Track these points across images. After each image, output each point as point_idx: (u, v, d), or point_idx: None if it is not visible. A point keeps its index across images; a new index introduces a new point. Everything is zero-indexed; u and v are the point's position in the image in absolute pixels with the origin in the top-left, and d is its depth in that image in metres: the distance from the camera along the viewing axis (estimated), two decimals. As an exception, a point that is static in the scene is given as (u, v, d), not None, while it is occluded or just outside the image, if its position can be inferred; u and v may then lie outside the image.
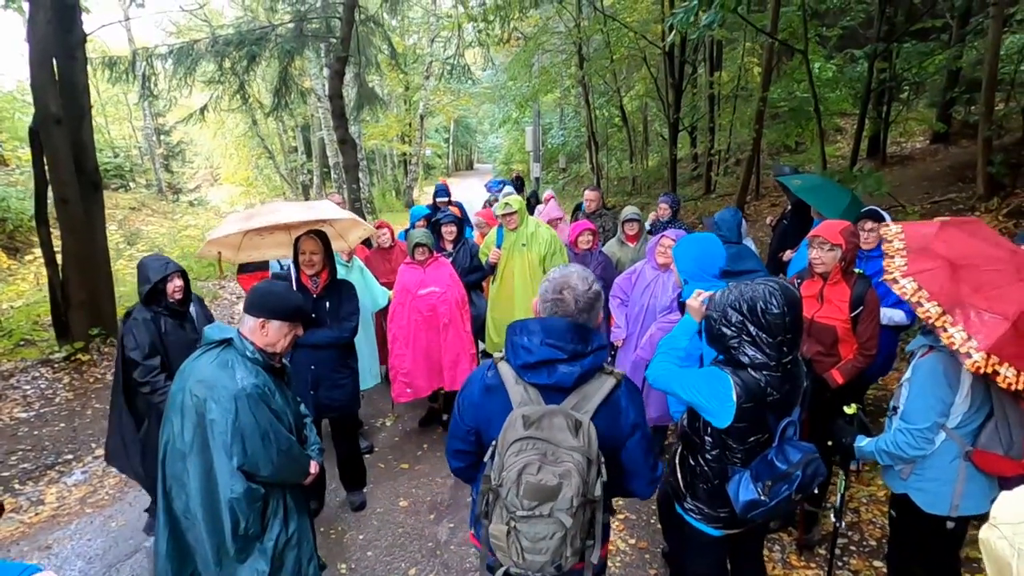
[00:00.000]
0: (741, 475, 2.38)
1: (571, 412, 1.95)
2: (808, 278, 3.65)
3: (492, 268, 5.51)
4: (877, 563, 3.70)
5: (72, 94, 7.97)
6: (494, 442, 2.00)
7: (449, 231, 6.04)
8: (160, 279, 3.88)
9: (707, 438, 2.48)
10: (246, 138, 25.92)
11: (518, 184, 16.22)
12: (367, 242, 6.47)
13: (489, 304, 5.68)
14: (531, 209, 7.71)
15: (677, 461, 2.68)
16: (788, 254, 5.60)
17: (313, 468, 2.92)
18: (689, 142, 17.16)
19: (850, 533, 4.00)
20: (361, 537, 4.14)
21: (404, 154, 23.96)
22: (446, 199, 7.79)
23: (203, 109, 12.63)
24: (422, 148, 25.07)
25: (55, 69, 7.59)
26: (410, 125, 23.64)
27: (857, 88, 13.20)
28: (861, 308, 3.49)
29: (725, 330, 2.37)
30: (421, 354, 5.24)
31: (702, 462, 2.52)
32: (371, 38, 14.01)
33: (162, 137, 26.09)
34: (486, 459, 2.03)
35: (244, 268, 5.68)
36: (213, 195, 27.57)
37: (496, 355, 2.17)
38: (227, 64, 11.93)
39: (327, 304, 4.04)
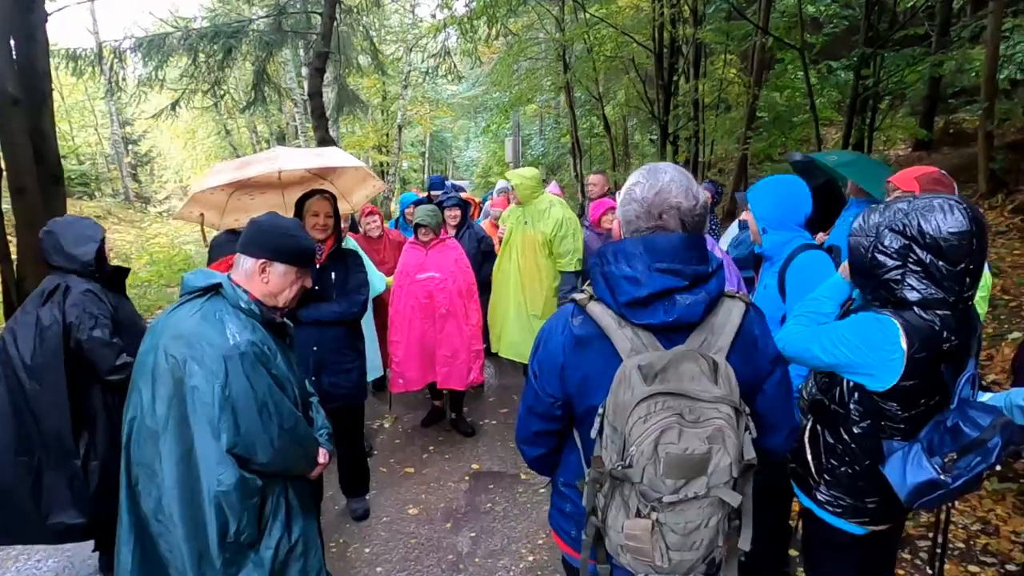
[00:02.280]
0: (907, 450, 1.80)
1: (703, 352, 1.41)
2: None
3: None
4: (973, 568, 3.16)
5: (32, 78, 7.21)
6: (600, 409, 1.45)
7: (453, 215, 5.44)
8: (102, 237, 3.05)
9: (854, 407, 1.90)
10: (218, 148, 25.00)
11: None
12: (353, 227, 5.84)
13: (492, 290, 5.08)
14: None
15: (806, 440, 2.09)
16: (821, 236, 5.10)
17: (322, 457, 2.27)
18: (672, 151, 16.84)
19: (929, 534, 3.45)
20: (367, 551, 3.47)
21: (381, 164, 23.32)
22: (440, 192, 7.16)
23: (175, 104, 11.87)
24: (399, 159, 24.45)
25: (12, 49, 6.89)
26: (387, 135, 23.03)
27: (843, 95, 13.05)
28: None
29: (882, 258, 1.81)
30: (415, 343, 4.64)
31: (846, 438, 1.93)
32: (352, 38, 13.43)
33: (130, 146, 25.01)
34: (593, 434, 1.47)
35: (216, 252, 4.98)
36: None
37: (579, 295, 1.60)
38: (201, 58, 11.24)
39: (332, 275, 3.40)
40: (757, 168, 15.48)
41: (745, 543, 1.45)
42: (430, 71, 14.77)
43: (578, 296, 1.59)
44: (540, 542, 3.53)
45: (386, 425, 5.18)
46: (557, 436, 1.69)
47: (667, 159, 14.38)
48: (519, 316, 4.71)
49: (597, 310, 1.52)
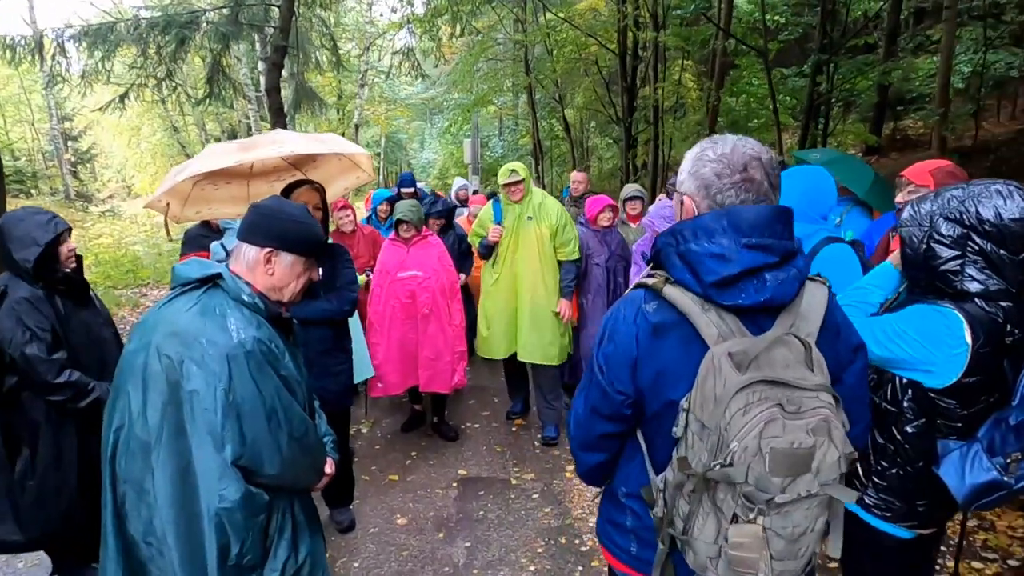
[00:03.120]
0: (966, 450, 1.70)
1: (797, 336, 1.28)
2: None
3: (488, 251, 4.65)
4: (977, 564, 3.13)
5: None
6: (683, 404, 1.30)
7: (437, 224, 5.24)
8: (52, 240, 2.67)
9: (908, 404, 1.78)
10: (164, 146, 23.97)
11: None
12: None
13: (483, 294, 4.82)
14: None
15: None
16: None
17: (329, 467, 2.05)
18: (633, 153, 16.92)
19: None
20: (356, 565, 3.23)
21: (337, 165, 22.78)
22: (411, 189, 6.91)
23: (123, 97, 11.24)
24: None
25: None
26: (343, 135, 22.42)
27: (798, 100, 13.34)
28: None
29: (938, 248, 1.70)
30: (395, 345, 4.41)
31: (899, 438, 1.82)
32: (310, 33, 13.02)
33: (70, 142, 23.76)
34: (677, 432, 1.31)
35: (189, 246, 4.66)
36: (127, 207, 25.33)
37: (649, 280, 1.43)
38: (152, 49, 10.69)
39: (320, 271, 3.14)
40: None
41: (836, 549, 1.32)
42: (393, 67, 14.43)
43: (649, 280, 1.42)
44: (540, 550, 3.36)
45: (364, 431, 4.93)
46: (621, 439, 1.52)
47: (630, 161, 14.43)
48: (534, 315, 4.47)
49: (675, 294, 1.35)
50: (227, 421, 1.62)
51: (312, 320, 3.07)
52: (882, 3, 13.10)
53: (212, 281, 1.77)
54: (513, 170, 4.47)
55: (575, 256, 4.51)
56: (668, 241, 1.41)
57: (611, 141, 19.05)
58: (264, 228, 1.84)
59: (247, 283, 1.80)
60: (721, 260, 1.29)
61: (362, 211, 8.00)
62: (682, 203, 1.47)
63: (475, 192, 7.54)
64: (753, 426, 1.17)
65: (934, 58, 13.17)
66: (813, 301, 1.37)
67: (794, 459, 1.18)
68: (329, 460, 2.06)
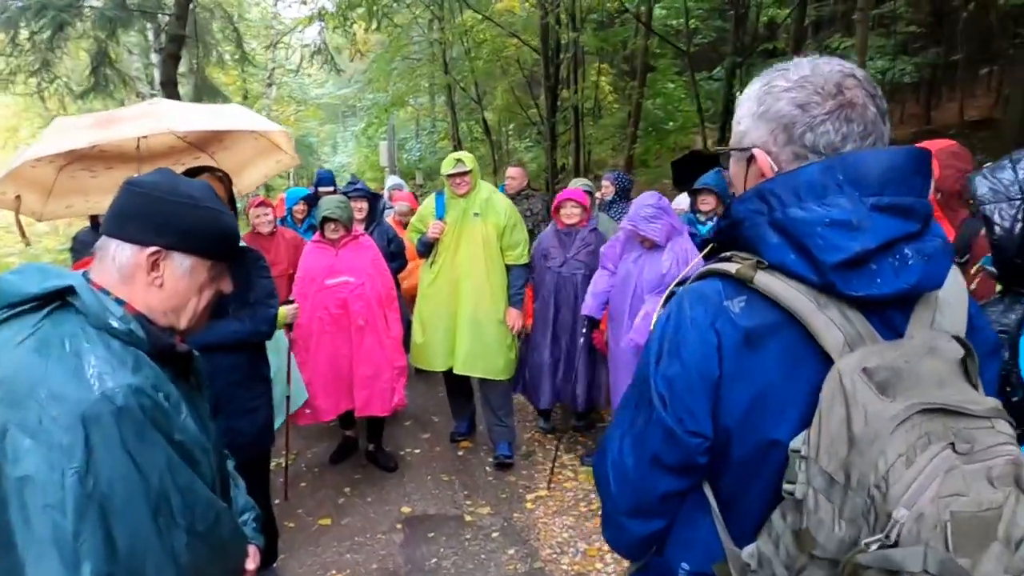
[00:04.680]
0: None
1: (951, 338, 0.89)
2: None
3: (427, 248, 4.07)
4: None
5: None
6: (800, 448, 0.87)
7: (359, 208, 4.57)
8: None
9: None
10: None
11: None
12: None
13: (419, 296, 4.23)
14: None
15: None
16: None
17: (251, 561, 1.42)
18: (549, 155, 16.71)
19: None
20: (287, 647, 2.57)
21: (244, 169, 21.36)
22: (331, 188, 6.16)
23: (-11, 88, 9.83)
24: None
25: None
26: (250, 137, 21.07)
27: (713, 102, 13.49)
28: (969, 257, 2.61)
29: None
30: (325, 364, 3.78)
31: None
32: (211, 24, 11.93)
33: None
34: (798, 492, 0.86)
35: (81, 254, 3.79)
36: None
37: (730, 265, 0.96)
38: (24, 35, 9.39)
39: (230, 280, 2.47)
40: (632, 175, 15.70)
41: None
42: (304, 62, 13.47)
43: (730, 266, 0.95)
44: (509, 605, 2.81)
45: (285, 465, 4.20)
46: (684, 497, 1.05)
47: (552, 161, 14.14)
48: (476, 324, 3.90)
49: (774, 284, 0.90)
50: (84, 524, 0.99)
51: (223, 344, 2.39)
52: (788, 11, 13.40)
53: (60, 299, 1.13)
54: (459, 159, 3.92)
55: (524, 260, 4.00)
56: (754, 208, 0.95)
57: (531, 144, 18.79)
58: (147, 216, 1.20)
59: (118, 300, 1.16)
60: (846, 230, 0.87)
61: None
62: (749, 162, 1.01)
63: (399, 188, 6.88)
64: (926, 482, 0.76)
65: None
66: (953, 285, 0.95)
67: (983, 527, 0.75)
68: (251, 548, 1.43)
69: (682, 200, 5.15)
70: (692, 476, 1.00)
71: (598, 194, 5.66)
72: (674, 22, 13.61)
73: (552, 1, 11.27)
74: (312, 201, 5.63)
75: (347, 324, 3.82)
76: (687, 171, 6.16)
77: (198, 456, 1.19)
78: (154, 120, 2.22)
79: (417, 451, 4.37)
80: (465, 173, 3.88)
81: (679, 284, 1.11)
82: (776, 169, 0.97)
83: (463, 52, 14.54)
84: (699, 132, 16.29)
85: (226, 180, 2.51)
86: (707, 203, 4.20)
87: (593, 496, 3.69)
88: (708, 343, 0.93)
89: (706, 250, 1.10)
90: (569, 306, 4.11)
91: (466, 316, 3.95)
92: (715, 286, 0.96)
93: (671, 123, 14.78)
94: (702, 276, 1.00)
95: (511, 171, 5.56)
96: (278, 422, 3.34)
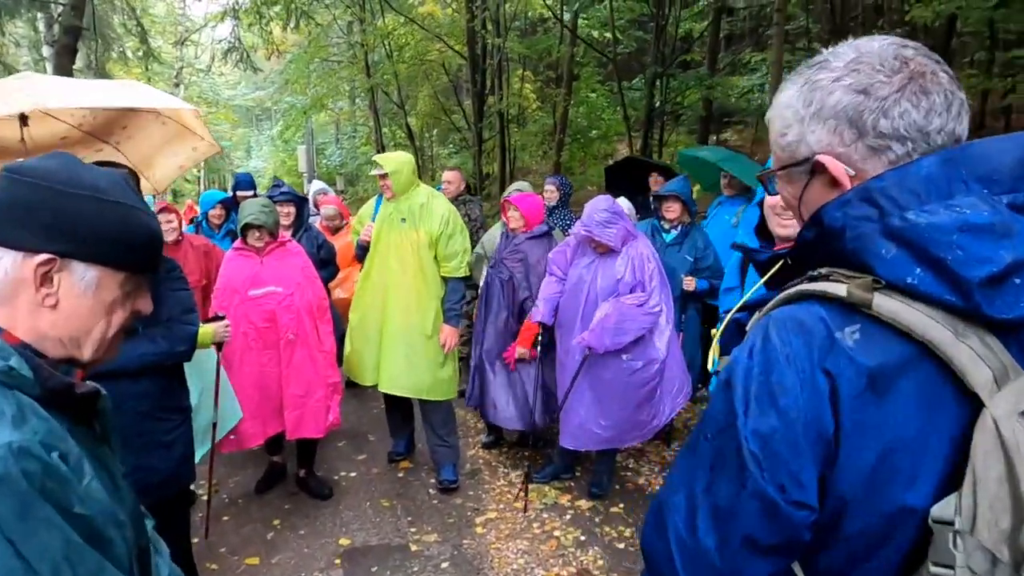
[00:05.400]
0: None
1: None
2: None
3: (363, 252, 3.79)
4: None
5: None
6: (952, 520, 0.67)
7: (286, 212, 4.20)
8: None
9: None
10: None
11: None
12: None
13: (352, 303, 3.93)
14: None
15: None
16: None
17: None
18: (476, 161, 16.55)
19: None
20: None
21: (149, 173, 19.99)
22: (250, 192, 5.70)
23: None
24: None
25: None
26: (156, 139, 19.78)
27: (636, 111, 13.71)
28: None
29: None
30: (250, 384, 3.43)
31: None
32: (112, 17, 11.05)
33: None
34: (942, 573, 0.67)
35: None
36: None
37: (832, 285, 0.75)
38: None
39: (149, 298, 2.11)
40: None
41: None
42: (215, 61, 12.70)
43: (832, 287, 0.75)
44: (467, 646, 2.55)
45: (203, 496, 3.77)
46: None
47: (479, 168, 13.98)
48: (403, 339, 3.62)
49: (900, 308, 0.71)
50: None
51: (127, 371, 2.02)
52: (705, 24, 13.82)
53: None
54: (378, 161, 3.68)
55: (462, 272, 3.73)
56: (860, 213, 0.76)
57: (455, 150, 18.54)
58: (34, 214, 0.89)
59: (-7, 327, 0.86)
60: (990, 236, 0.69)
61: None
62: (812, 174, 0.83)
63: (324, 192, 6.48)
64: None
65: (749, 77, 14.19)
66: None
67: None
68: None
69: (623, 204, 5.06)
70: (790, 557, 0.78)
71: (544, 198, 5.47)
72: (595, 32, 13.74)
73: (479, 5, 11.11)
74: (230, 205, 5.19)
75: (275, 339, 3.46)
76: (621, 177, 6.13)
77: (109, 533, 0.88)
78: (25, 97, 1.83)
79: (353, 474, 4.03)
80: (385, 176, 3.61)
81: (742, 310, 0.92)
82: (852, 173, 0.79)
83: (385, 55, 14.16)
84: (621, 140, 16.59)
85: (131, 178, 2.15)
86: (672, 210, 4.10)
87: (546, 516, 3.48)
88: (817, 388, 0.72)
89: (773, 270, 0.90)
90: (493, 308, 3.92)
91: (393, 330, 3.67)
92: (816, 312, 0.75)
93: (595, 131, 14.93)
94: (788, 300, 0.79)
95: (447, 175, 5.30)
96: (200, 453, 2.96)
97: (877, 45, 0.79)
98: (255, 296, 3.45)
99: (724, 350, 0.96)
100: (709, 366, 1.02)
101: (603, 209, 3.39)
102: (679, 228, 4.13)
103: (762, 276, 0.93)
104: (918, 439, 0.70)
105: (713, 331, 1.05)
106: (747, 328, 0.85)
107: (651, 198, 4.52)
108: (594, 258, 3.51)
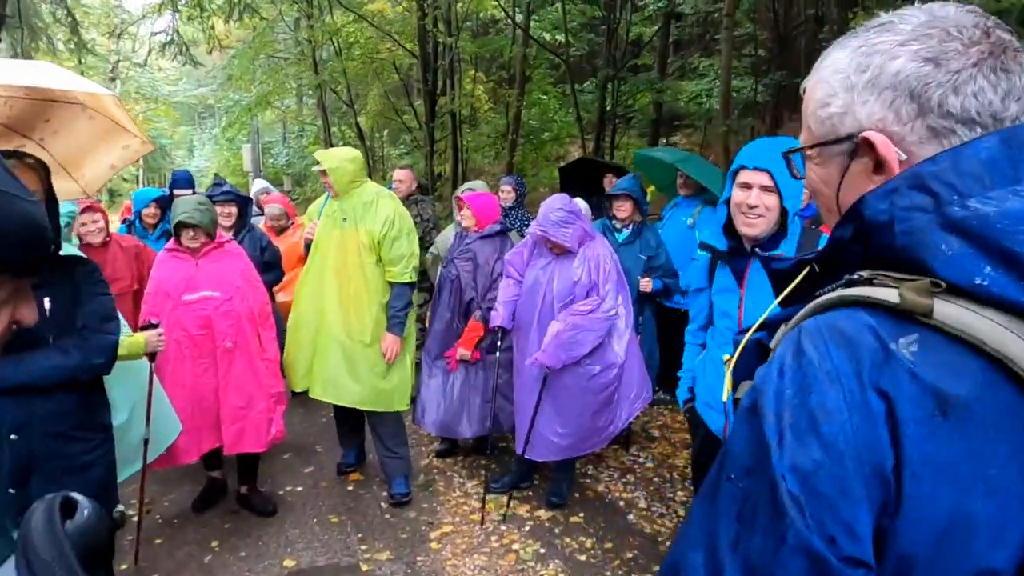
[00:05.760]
0: None
1: None
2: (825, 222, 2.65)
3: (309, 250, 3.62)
4: None
5: None
6: None
7: (227, 212, 3.95)
8: None
9: None
10: None
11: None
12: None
13: (292, 307, 3.71)
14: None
15: None
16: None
17: None
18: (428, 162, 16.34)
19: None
20: None
21: (82, 171, 18.99)
22: (188, 191, 5.38)
23: None
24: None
25: None
26: (90, 137, 18.80)
27: (588, 112, 13.75)
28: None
29: None
30: (184, 395, 3.17)
31: None
32: (41, 6, 10.42)
33: None
34: None
35: None
36: None
37: (889, 291, 0.61)
38: None
39: (47, 302, 1.87)
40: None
41: None
42: (152, 54, 12.13)
43: (880, 292, 0.62)
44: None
45: (133, 516, 3.48)
46: None
47: (431, 168, 13.78)
48: (339, 344, 3.43)
49: (969, 316, 0.58)
50: None
51: (36, 386, 1.79)
52: (655, 29, 13.97)
53: None
54: (320, 159, 3.48)
55: (407, 277, 3.52)
56: (910, 203, 0.63)
57: (405, 150, 18.26)
58: None
59: None
60: None
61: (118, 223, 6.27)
62: (853, 155, 0.72)
63: (267, 192, 6.18)
64: None
65: (698, 82, 14.40)
66: None
67: None
68: None
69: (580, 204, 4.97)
70: None
71: (500, 199, 5.33)
72: (547, 35, 13.73)
73: (430, 3, 10.93)
74: (166, 204, 4.87)
75: (211, 347, 3.22)
76: (575, 178, 6.06)
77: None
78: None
79: (299, 489, 3.79)
80: (324, 173, 3.43)
81: (763, 328, 0.78)
82: (903, 158, 0.67)
83: (334, 53, 13.83)
84: (573, 142, 16.63)
85: (41, 170, 1.91)
86: (623, 209, 4.00)
87: (504, 528, 3.33)
88: (870, 412, 0.57)
89: (803, 274, 0.75)
90: (439, 308, 3.77)
91: (328, 334, 3.48)
92: (861, 320, 0.61)
93: (547, 133, 14.91)
94: (822, 309, 0.66)
95: (398, 174, 5.11)
96: (129, 473, 2.71)
97: (954, 11, 0.67)
98: (189, 301, 3.20)
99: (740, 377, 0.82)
100: (724, 397, 0.89)
101: (559, 208, 3.27)
102: (631, 227, 4.06)
103: (780, 289, 0.79)
104: (1002, 480, 0.56)
105: (726, 357, 0.91)
106: (771, 347, 0.72)
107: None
108: (550, 259, 3.39)
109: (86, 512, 0.75)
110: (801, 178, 0.84)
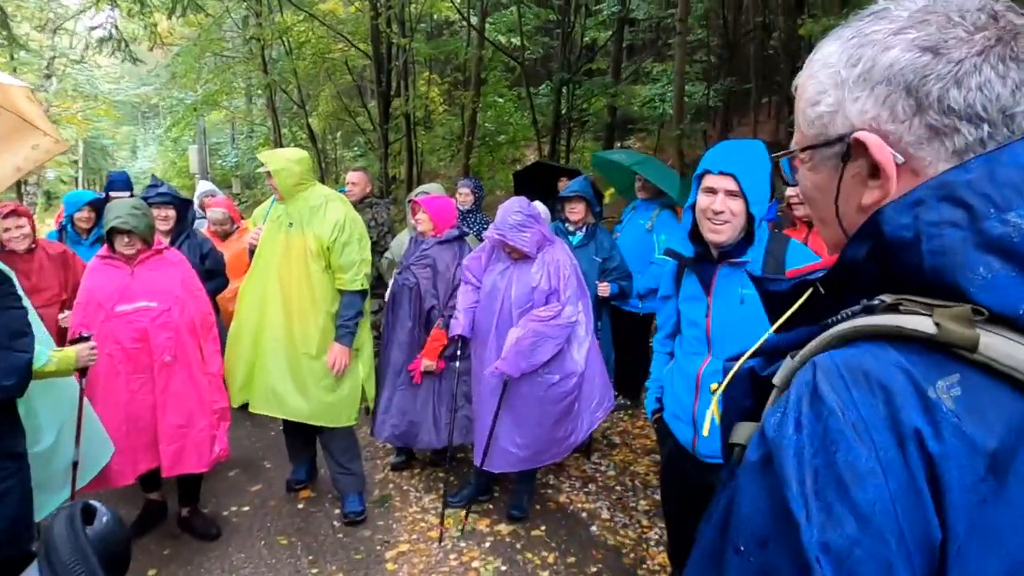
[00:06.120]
0: None
1: None
2: (788, 225, 2.62)
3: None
4: None
5: None
6: None
7: (165, 216, 3.71)
8: None
9: None
10: None
11: None
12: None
13: (235, 314, 3.49)
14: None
15: None
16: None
17: None
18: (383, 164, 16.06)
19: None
20: None
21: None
22: (126, 193, 5.06)
23: None
24: (43, 168, 19.20)
25: None
26: (24, 137, 17.80)
27: (543, 115, 13.73)
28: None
29: None
30: (119, 413, 2.97)
31: None
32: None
33: None
34: None
35: None
36: None
37: (922, 320, 0.50)
38: None
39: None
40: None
41: None
42: (89, 50, 11.56)
43: (910, 321, 0.51)
44: None
45: (64, 544, 3.22)
46: None
47: (385, 171, 13.55)
48: (283, 355, 3.24)
49: (1019, 351, 0.48)
50: None
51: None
52: (609, 34, 14.04)
53: None
54: (264, 160, 3.29)
55: (358, 285, 3.35)
56: (943, 217, 0.53)
57: (359, 152, 17.94)
58: None
59: None
60: None
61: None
62: (846, 159, 0.62)
63: (211, 195, 5.88)
64: None
65: (651, 86, 14.54)
66: None
67: None
68: None
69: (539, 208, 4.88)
70: None
71: (458, 201, 5.19)
72: (502, 38, 13.67)
73: (383, 2, 10.72)
74: (101, 207, 4.56)
75: (148, 361, 2.99)
76: (530, 182, 5.96)
77: None
78: None
79: (245, 509, 3.58)
80: (268, 175, 3.25)
81: (757, 355, 0.67)
82: (901, 160, 0.58)
83: (284, 52, 13.47)
84: (528, 145, 16.59)
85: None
86: (576, 211, 3.92)
87: (464, 545, 3.19)
88: (910, 475, 0.47)
89: (801, 300, 0.65)
90: (399, 317, 3.61)
91: (269, 344, 3.28)
92: (890, 358, 0.51)
93: (502, 136, 14.82)
94: (843, 339, 0.55)
95: (352, 176, 4.91)
96: (58, 501, 2.49)
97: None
98: (123, 312, 2.97)
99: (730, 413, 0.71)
100: (705, 431, 0.78)
101: (517, 211, 3.15)
102: (584, 229, 3.98)
103: (775, 312, 0.69)
104: None
105: (713, 387, 0.80)
106: (774, 383, 0.61)
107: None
108: (509, 264, 3.27)
109: (105, 519, 0.79)
110: (793, 185, 0.74)
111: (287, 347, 3.26)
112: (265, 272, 3.31)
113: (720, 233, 1.78)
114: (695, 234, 1.90)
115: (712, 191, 1.79)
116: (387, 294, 3.81)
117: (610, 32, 14.06)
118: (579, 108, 13.92)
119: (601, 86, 13.65)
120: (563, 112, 12.87)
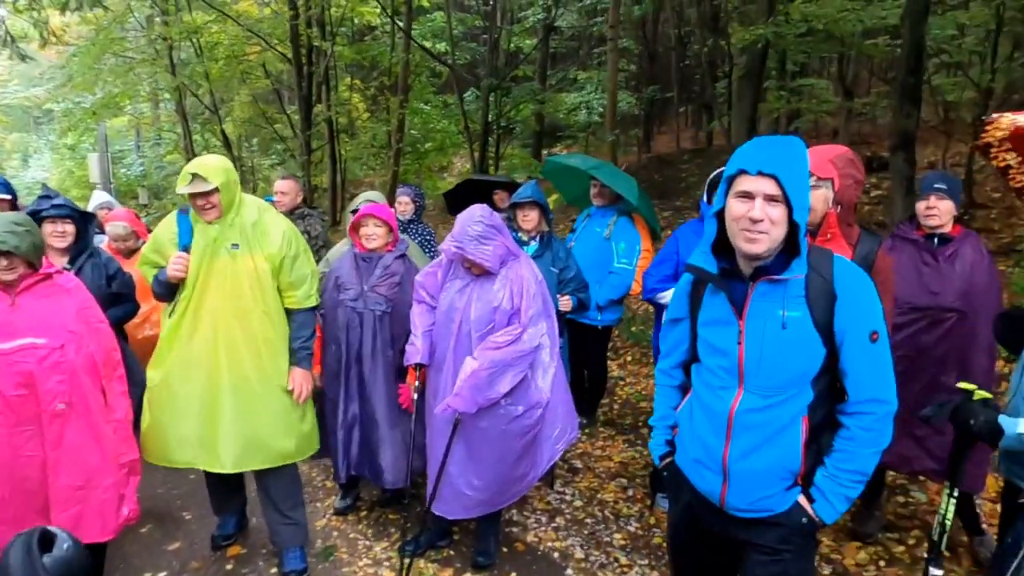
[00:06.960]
0: None
1: None
2: None
3: (166, 290, 2.81)
4: None
5: None
6: None
7: (62, 232, 3.12)
8: None
9: None
10: None
11: None
12: None
13: (152, 362, 2.91)
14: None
15: None
16: None
17: None
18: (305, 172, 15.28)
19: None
20: None
21: None
22: (9, 197, 4.33)
23: None
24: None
25: None
26: None
27: (474, 122, 13.39)
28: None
29: None
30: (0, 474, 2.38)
31: None
32: None
33: None
34: None
35: None
36: None
37: None
38: None
39: None
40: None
41: None
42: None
43: None
44: None
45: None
46: None
47: (308, 179, 12.84)
48: (253, 398, 2.71)
49: None
50: None
51: None
52: (535, 42, 13.92)
53: None
54: (196, 173, 2.64)
55: (311, 302, 2.91)
56: None
57: (277, 160, 17.06)
58: None
59: None
60: None
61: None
62: None
63: (108, 207, 5.18)
64: None
65: (577, 94, 14.50)
66: None
67: None
68: None
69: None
70: None
71: (397, 211, 4.75)
72: (428, 43, 13.27)
73: (303, 3, 10.10)
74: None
75: (35, 410, 2.42)
76: (462, 200, 5.50)
77: None
78: None
79: (162, 574, 3.03)
80: (209, 194, 2.66)
81: None
82: None
83: (194, 53, 12.56)
84: (456, 153, 16.23)
85: None
86: (530, 219, 3.60)
87: (425, 603, 2.79)
88: None
89: None
90: (367, 350, 3.17)
91: (230, 390, 2.75)
92: None
93: (429, 143, 14.40)
94: None
95: (281, 185, 4.40)
96: None
97: None
98: (4, 351, 2.40)
99: None
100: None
101: (478, 221, 2.78)
102: (539, 238, 3.68)
103: None
104: None
105: None
106: None
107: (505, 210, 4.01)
108: (468, 281, 2.89)
109: (66, 546, 0.89)
110: None
111: (262, 386, 2.75)
112: (210, 309, 2.73)
113: (758, 243, 1.48)
114: (719, 246, 1.60)
115: (748, 196, 1.48)
116: (331, 320, 3.30)
117: (536, 40, 13.94)
118: (507, 115, 13.70)
119: (529, 92, 13.50)
120: (491, 119, 12.60)
